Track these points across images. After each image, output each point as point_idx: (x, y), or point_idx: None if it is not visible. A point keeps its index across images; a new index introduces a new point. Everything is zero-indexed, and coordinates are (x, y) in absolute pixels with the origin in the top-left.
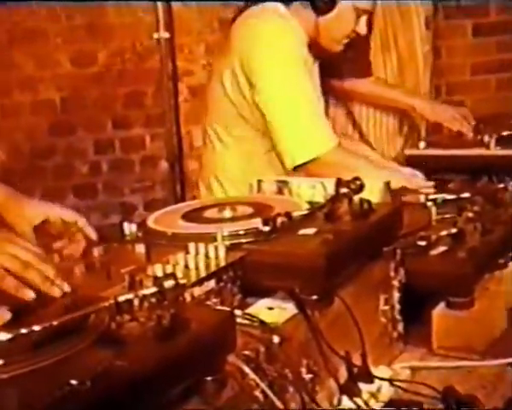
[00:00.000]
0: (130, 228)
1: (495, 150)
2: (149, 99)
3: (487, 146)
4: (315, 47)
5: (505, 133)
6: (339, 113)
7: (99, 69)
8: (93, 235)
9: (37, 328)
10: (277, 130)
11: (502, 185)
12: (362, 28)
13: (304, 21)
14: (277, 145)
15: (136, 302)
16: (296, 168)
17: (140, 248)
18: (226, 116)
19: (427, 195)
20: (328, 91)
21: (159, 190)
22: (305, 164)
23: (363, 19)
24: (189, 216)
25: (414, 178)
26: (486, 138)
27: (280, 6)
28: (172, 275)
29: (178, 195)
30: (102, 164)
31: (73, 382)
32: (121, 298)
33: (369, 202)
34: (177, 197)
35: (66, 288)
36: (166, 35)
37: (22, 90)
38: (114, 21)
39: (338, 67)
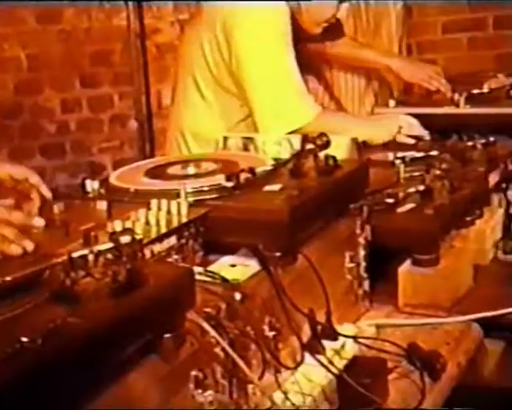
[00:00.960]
0: (92, 185)
1: (465, 109)
2: (117, 57)
3: (457, 104)
4: (294, 25)
5: (475, 92)
6: (310, 77)
7: (65, 27)
8: (47, 193)
9: None
10: (254, 100)
11: (471, 143)
12: (342, 14)
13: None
14: (256, 117)
15: (91, 258)
16: None
17: (101, 205)
18: (201, 76)
19: (396, 152)
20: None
21: (127, 149)
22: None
23: (345, 5)
24: (152, 173)
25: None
26: (456, 97)
27: None
28: (129, 230)
29: (147, 154)
30: (70, 123)
31: (24, 339)
32: (76, 254)
33: (334, 158)
34: (146, 156)
35: (29, 246)
36: None
37: None
38: None
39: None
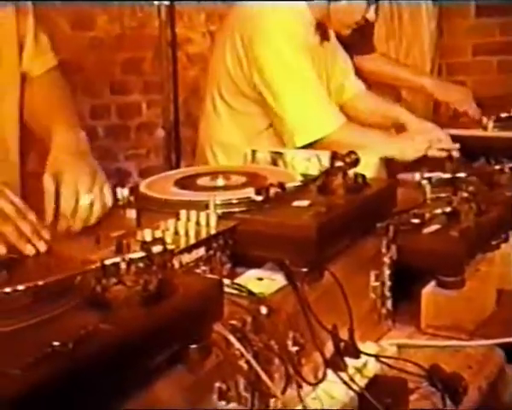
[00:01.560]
0: (122, 193)
1: (493, 132)
2: (148, 66)
3: (485, 127)
4: (324, 29)
5: (504, 115)
6: None
7: (98, 33)
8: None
9: (21, 287)
10: (278, 110)
11: (498, 167)
12: (371, 15)
13: (314, 5)
14: (279, 126)
15: (123, 266)
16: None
17: (131, 213)
18: (226, 88)
19: (422, 172)
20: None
21: (154, 157)
22: (310, 145)
23: (374, 6)
24: (181, 183)
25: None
26: (485, 120)
27: None
28: (161, 240)
29: (173, 163)
30: (98, 129)
31: (55, 343)
32: (108, 261)
33: (363, 176)
34: (172, 165)
35: (42, 247)
36: (166, 2)
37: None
38: None
39: (344, 45)
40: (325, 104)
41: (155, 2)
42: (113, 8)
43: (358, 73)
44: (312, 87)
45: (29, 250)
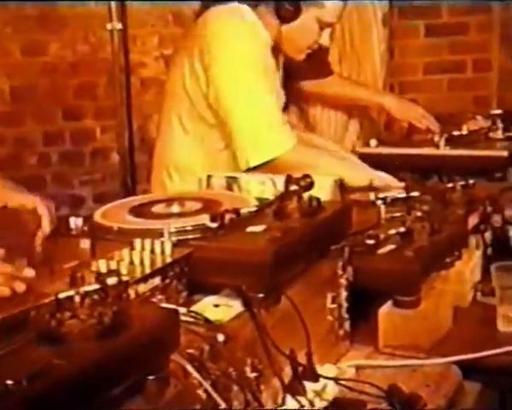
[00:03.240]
0: (75, 222)
1: (444, 150)
2: (101, 90)
3: (437, 146)
4: (278, 52)
5: (455, 133)
6: (291, 115)
7: (50, 59)
8: (46, 227)
9: None
10: (232, 131)
11: (451, 185)
12: (325, 40)
13: (268, 26)
14: (233, 146)
15: (77, 299)
16: (253, 169)
17: (85, 244)
18: (183, 109)
19: (377, 192)
20: (287, 94)
21: (109, 182)
22: (260, 166)
23: (327, 31)
24: (136, 211)
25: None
26: (436, 138)
27: (245, 7)
28: (116, 271)
29: (129, 188)
30: (52, 155)
31: (9, 382)
32: (62, 295)
33: (318, 199)
34: (127, 190)
35: (19, 287)
36: (119, 26)
37: None
38: (66, 11)
39: (298, 70)
40: (277, 125)
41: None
42: (65, 34)
43: (318, 95)
44: (265, 107)
45: (4, 292)
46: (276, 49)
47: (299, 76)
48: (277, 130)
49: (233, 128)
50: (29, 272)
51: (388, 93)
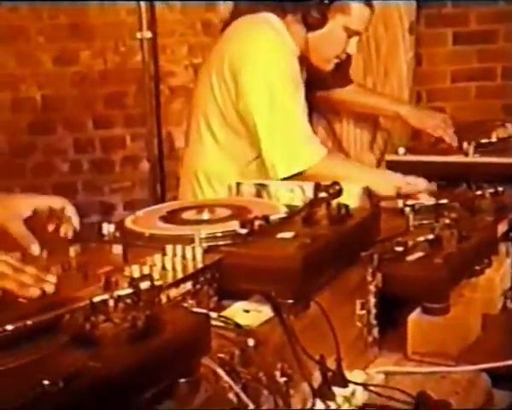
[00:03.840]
0: (108, 228)
1: (473, 157)
2: (131, 99)
3: (466, 153)
4: (305, 61)
5: (484, 141)
6: (319, 128)
7: (81, 68)
8: (76, 224)
9: (10, 327)
10: (262, 142)
11: (479, 192)
12: (352, 49)
13: (295, 35)
14: (263, 156)
15: (111, 303)
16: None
17: (117, 249)
18: (213, 118)
19: (406, 199)
20: (310, 104)
21: (138, 190)
22: (292, 177)
23: (355, 40)
24: (167, 217)
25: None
26: (465, 145)
27: (273, 17)
28: (149, 276)
29: (158, 195)
30: (83, 163)
31: (46, 382)
32: (96, 299)
33: (346, 206)
34: (157, 198)
35: (48, 287)
36: (149, 35)
37: (3, 88)
38: (97, 21)
39: (319, 79)
40: (307, 137)
41: (138, 35)
42: (95, 43)
43: (336, 105)
44: (295, 119)
45: (33, 293)
46: (302, 60)
47: (319, 85)
48: (307, 141)
49: (263, 139)
50: (52, 278)
51: (406, 102)
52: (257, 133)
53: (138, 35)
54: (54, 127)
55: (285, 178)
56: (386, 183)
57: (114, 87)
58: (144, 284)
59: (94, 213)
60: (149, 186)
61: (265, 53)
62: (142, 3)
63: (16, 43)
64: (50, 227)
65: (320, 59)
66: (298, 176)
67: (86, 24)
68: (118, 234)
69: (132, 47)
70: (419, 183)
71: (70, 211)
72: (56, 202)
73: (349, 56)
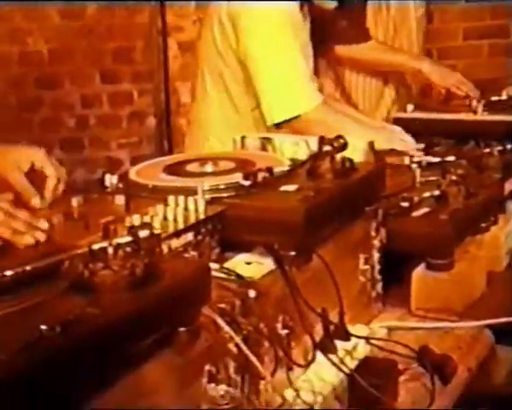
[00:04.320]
0: (110, 180)
1: (482, 115)
2: (138, 54)
3: (475, 111)
4: (307, 5)
5: (494, 99)
6: (328, 80)
7: (88, 22)
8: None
9: (9, 273)
10: (260, 87)
11: (487, 150)
12: None
13: None
14: (260, 102)
15: (110, 251)
16: (279, 125)
17: (119, 200)
18: (215, 69)
19: (412, 156)
20: (324, 58)
21: (146, 145)
22: (287, 121)
23: None
24: (170, 169)
25: (403, 138)
26: (474, 103)
27: None
28: (148, 225)
29: (165, 151)
30: (90, 118)
31: (43, 327)
32: (95, 246)
33: (351, 160)
34: (164, 153)
35: (41, 236)
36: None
37: (10, 42)
38: None
39: (336, 33)
40: (304, 83)
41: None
42: None
43: (355, 60)
44: (294, 63)
45: (26, 241)
46: (303, 4)
47: (336, 40)
48: (303, 87)
49: (260, 85)
50: (43, 224)
51: (426, 58)
52: (255, 79)
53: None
54: (61, 81)
55: (280, 123)
56: (382, 139)
57: (122, 42)
58: (143, 233)
59: (101, 168)
60: (156, 142)
61: None
62: None
63: None
64: (7, 196)
65: None
66: (293, 121)
67: None
68: (121, 185)
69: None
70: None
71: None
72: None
73: (363, 13)
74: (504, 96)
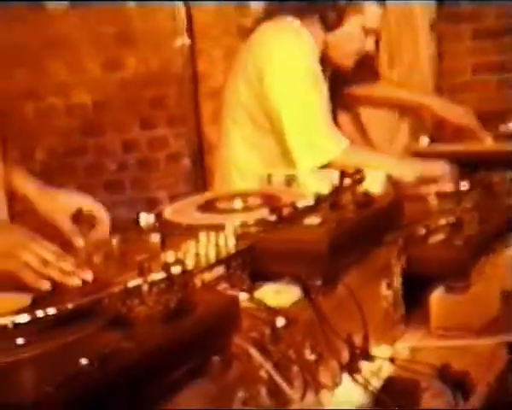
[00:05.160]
0: (147, 219)
1: (492, 146)
2: (172, 100)
3: (486, 141)
4: (327, 60)
5: (503, 129)
6: (346, 119)
7: (126, 74)
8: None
9: (52, 311)
10: (287, 136)
11: (498, 178)
12: (370, 46)
13: (314, 35)
14: (289, 150)
15: (145, 287)
16: None
17: (155, 238)
18: (239, 116)
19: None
20: (338, 99)
21: (182, 184)
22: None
23: (371, 37)
24: (202, 207)
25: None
26: (485, 134)
27: (295, 20)
28: (180, 261)
29: (200, 189)
30: (130, 162)
31: (83, 362)
32: (131, 284)
33: (371, 192)
34: (199, 192)
35: (87, 277)
36: (187, 41)
37: (56, 95)
38: (140, 29)
39: (348, 77)
40: (330, 129)
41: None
42: (139, 50)
43: (365, 98)
44: (318, 113)
45: (74, 282)
46: (324, 59)
47: (348, 83)
48: (330, 134)
49: (288, 133)
50: (87, 275)
51: (430, 94)
52: (281, 128)
53: (177, 41)
54: (103, 129)
55: None
56: (406, 170)
57: (157, 90)
58: (176, 269)
59: (141, 208)
60: (191, 181)
61: (287, 53)
62: (180, 5)
63: (66, 52)
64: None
65: (340, 56)
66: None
67: (130, 32)
68: (156, 224)
69: (172, 52)
70: (437, 167)
71: (100, 216)
72: (87, 203)
73: (372, 54)
74: None
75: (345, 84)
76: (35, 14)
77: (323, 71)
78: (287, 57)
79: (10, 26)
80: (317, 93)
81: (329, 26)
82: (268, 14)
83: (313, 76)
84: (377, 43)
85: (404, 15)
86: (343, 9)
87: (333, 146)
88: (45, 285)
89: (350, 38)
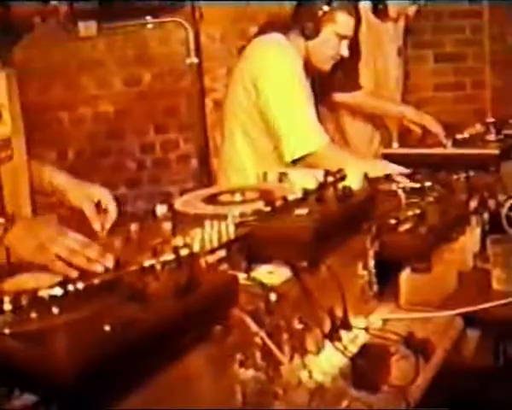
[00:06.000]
0: (161, 209)
1: (451, 150)
2: (183, 110)
3: (445, 146)
4: (309, 66)
5: (459, 137)
6: (328, 123)
7: (144, 88)
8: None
9: (80, 286)
10: (279, 132)
11: (456, 177)
12: (343, 50)
13: (298, 47)
14: (279, 143)
15: (158, 267)
16: (295, 161)
17: (167, 226)
18: (238, 120)
19: (399, 183)
20: (325, 105)
21: (190, 181)
22: (302, 158)
23: (344, 43)
24: (207, 200)
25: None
26: (445, 141)
27: (281, 37)
28: (188, 245)
29: (206, 185)
30: (147, 162)
31: (107, 328)
32: (146, 263)
33: (350, 188)
34: (204, 187)
35: (110, 263)
36: (196, 60)
37: (86, 106)
38: (155, 51)
39: (335, 84)
40: (314, 125)
41: (187, 61)
42: (155, 68)
43: (348, 105)
44: (305, 112)
45: (99, 269)
46: (306, 64)
47: (334, 89)
48: (314, 128)
49: (280, 129)
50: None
51: (408, 105)
52: (274, 125)
53: (187, 61)
54: (124, 134)
55: (297, 159)
56: (377, 169)
57: (170, 101)
58: (184, 251)
59: (156, 200)
60: (198, 178)
61: (275, 61)
62: (190, 32)
63: (96, 70)
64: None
65: (319, 61)
66: (307, 156)
67: (147, 53)
68: (168, 214)
69: (183, 70)
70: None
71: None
72: (96, 192)
73: (355, 66)
74: (467, 135)
75: (331, 91)
76: (70, 39)
77: (307, 75)
78: (276, 65)
79: (49, 49)
80: (303, 94)
81: (309, 35)
82: (260, 32)
83: (299, 80)
84: (357, 52)
85: (378, 46)
86: (319, 20)
87: (316, 139)
88: (74, 274)
89: (326, 44)
